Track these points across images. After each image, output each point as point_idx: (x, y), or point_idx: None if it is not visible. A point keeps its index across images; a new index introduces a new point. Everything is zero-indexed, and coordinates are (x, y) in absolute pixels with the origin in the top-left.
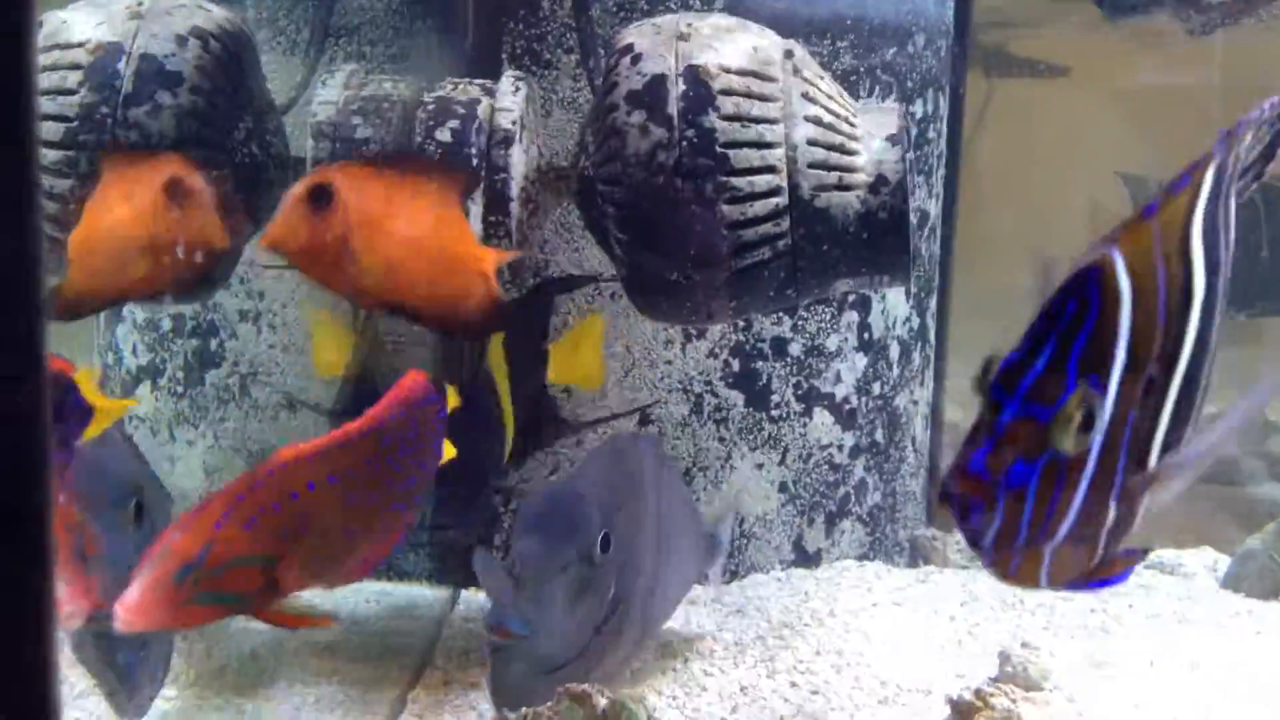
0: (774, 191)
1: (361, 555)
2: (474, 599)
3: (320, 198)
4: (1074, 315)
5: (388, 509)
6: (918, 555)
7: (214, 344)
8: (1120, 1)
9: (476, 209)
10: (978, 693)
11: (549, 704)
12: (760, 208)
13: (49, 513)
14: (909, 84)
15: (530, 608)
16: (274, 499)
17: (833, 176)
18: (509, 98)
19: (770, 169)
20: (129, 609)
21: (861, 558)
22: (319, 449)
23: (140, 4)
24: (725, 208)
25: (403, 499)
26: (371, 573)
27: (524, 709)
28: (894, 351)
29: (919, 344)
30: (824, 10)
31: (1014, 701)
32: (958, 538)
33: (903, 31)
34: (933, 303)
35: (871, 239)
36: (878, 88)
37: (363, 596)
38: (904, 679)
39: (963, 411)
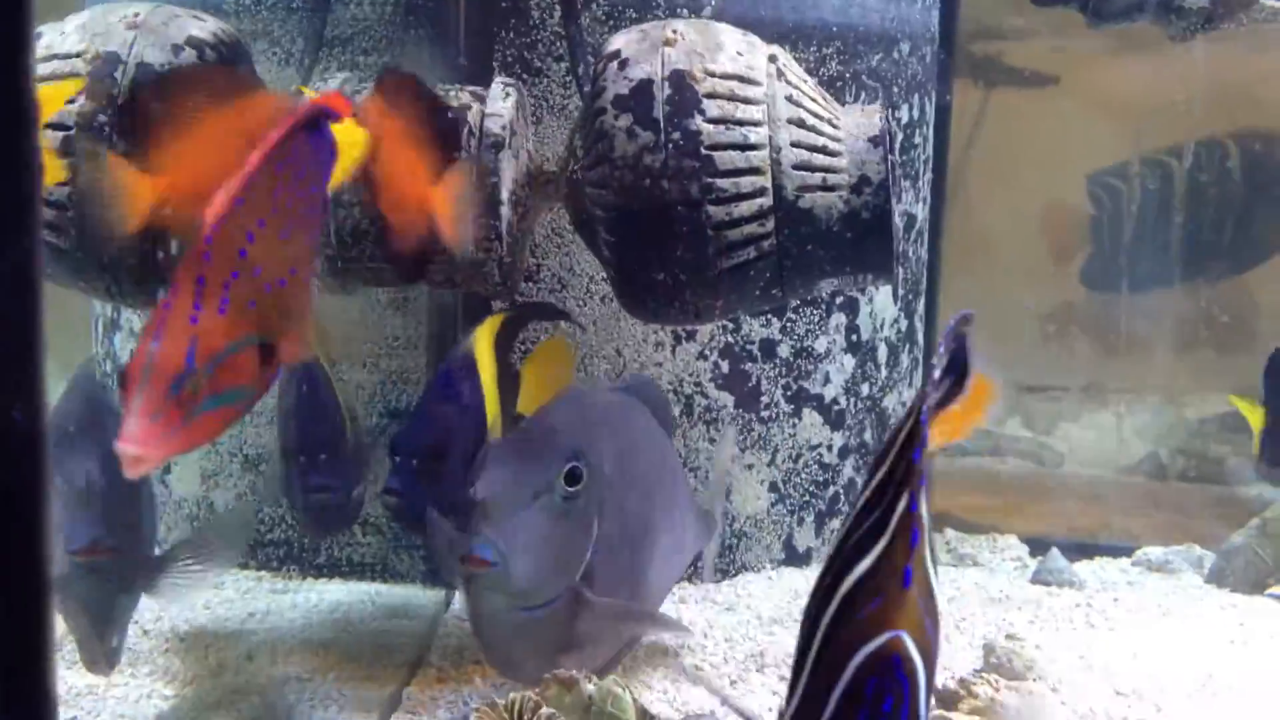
0: (759, 192)
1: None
2: None
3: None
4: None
5: (307, 239)
6: None
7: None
8: (1103, 9)
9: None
10: (961, 681)
11: (536, 689)
12: (746, 208)
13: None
14: (895, 90)
15: (499, 537)
16: (230, 268)
17: (816, 178)
18: (499, 103)
19: (755, 170)
20: (133, 442)
21: None
22: (236, 193)
23: (137, 15)
24: (711, 209)
25: (313, 226)
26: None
27: (512, 695)
28: (882, 353)
29: (907, 346)
30: (811, 17)
31: (997, 690)
32: (949, 538)
33: (888, 38)
34: (920, 305)
35: (855, 239)
36: (864, 93)
37: (357, 597)
38: None
39: None
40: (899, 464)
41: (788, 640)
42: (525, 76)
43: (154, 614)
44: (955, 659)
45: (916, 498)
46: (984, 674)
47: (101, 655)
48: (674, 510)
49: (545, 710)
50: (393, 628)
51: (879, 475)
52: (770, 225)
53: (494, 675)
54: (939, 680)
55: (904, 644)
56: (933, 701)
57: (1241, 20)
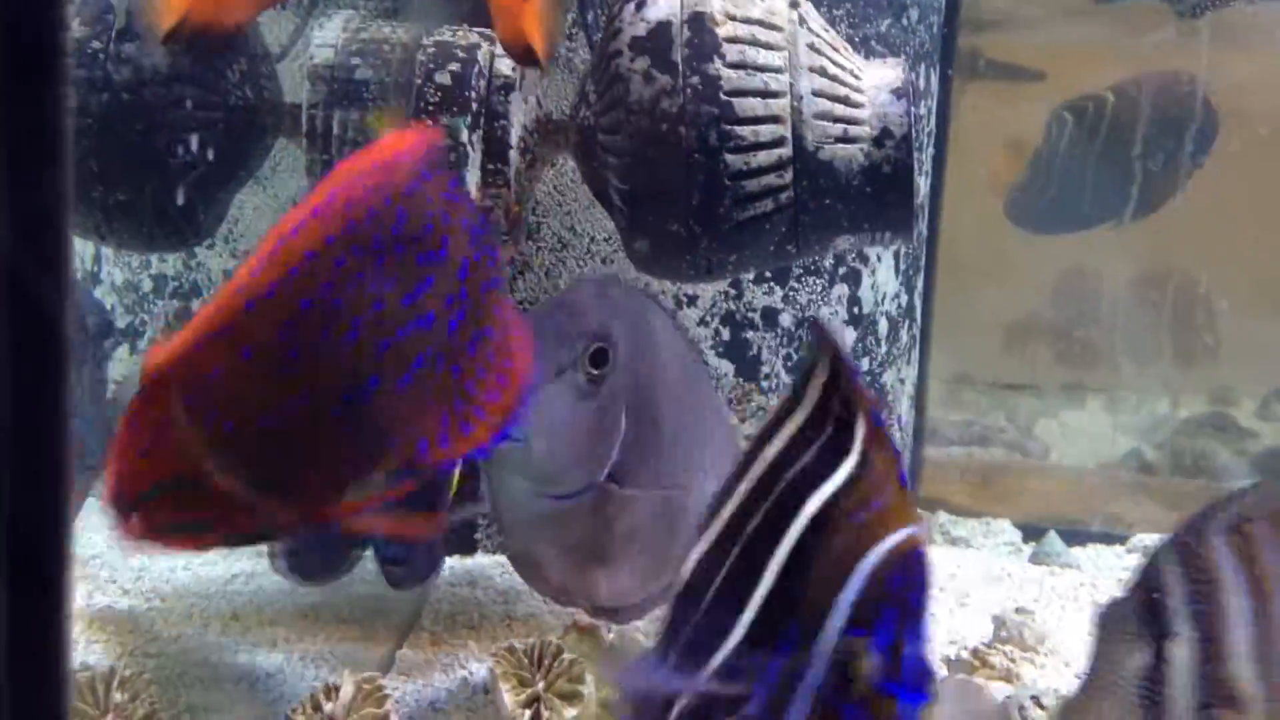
0: (778, 142)
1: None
2: (460, 565)
3: None
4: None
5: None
6: None
7: (197, 305)
8: None
9: (475, 155)
10: (975, 652)
11: (557, 635)
12: (764, 158)
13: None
14: (903, 57)
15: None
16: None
17: (837, 128)
18: None
19: (775, 119)
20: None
21: None
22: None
23: None
24: (729, 157)
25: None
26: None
27: (531, 640)
28: (883, 327)
29: (906, 322)
30: None
31: (1013, 661)
32: (941, 521)
33: (898, 4)
34: (920, 281)
35: (875, 193)
36: (872, 58)
37: None
38: None
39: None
40: (834, 392)
41: None
42: None
43: (134, 573)
44: (964, 633)
45: (878, 414)
46: (997, 645)
47: None
48: (710, 433)
49: (567, 655)
50: (384, 591)
51: (805, 408)
52: (789, 176)
53: (488, 639)
54: (950, 650)
55: (923, 538)
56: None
57: None
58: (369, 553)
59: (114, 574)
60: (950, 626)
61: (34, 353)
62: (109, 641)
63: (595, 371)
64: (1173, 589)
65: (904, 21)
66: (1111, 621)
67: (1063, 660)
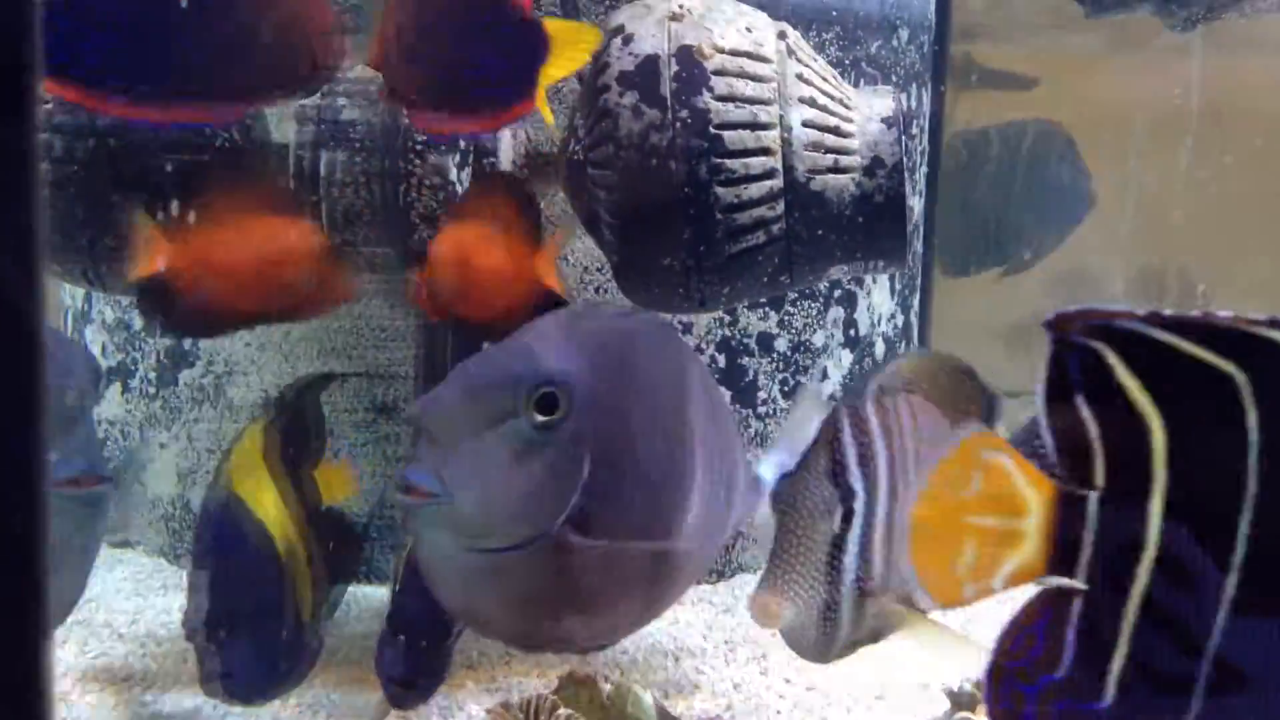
0: (769, 174)
1: None
2: None
3: None
4: None
5: None
6: None
7: (187, 343)
8: None
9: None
10: (978, 684)
11: (550, 689)
12: (755, 190)
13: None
14: (894, 78)
15: (443, 464)
16: None
17: (828, 159)
18: None
19: (765, 151)
20: None
21: None
22: None
23: None
24: (719, 190)
25: None
26: None
27: (526, 695)
28: (879, 349)
29: (903, 342)
30: (811, 1)
31: None
32: None
33: (888, 25)
34: (916, 301)
35: (868, 223)
36: (863, 81)
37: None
38: (899, 673)
39: None
40: None
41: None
42: None
43: (129, 616)
44: (967, 660)
45: None
46: None
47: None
48: (715, 458)
49: (563, 711)
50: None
51: None
52: (780, 208)
53: (486, 679)
54: (954, 683)
55: None
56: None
57: (1245, 9)
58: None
59: (109, 618)
60: (952, 653)
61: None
62: (103, 693)
63: (543, 419)
64: (848, 453)
65: (894, 42)
66: (799, 489)
67: None
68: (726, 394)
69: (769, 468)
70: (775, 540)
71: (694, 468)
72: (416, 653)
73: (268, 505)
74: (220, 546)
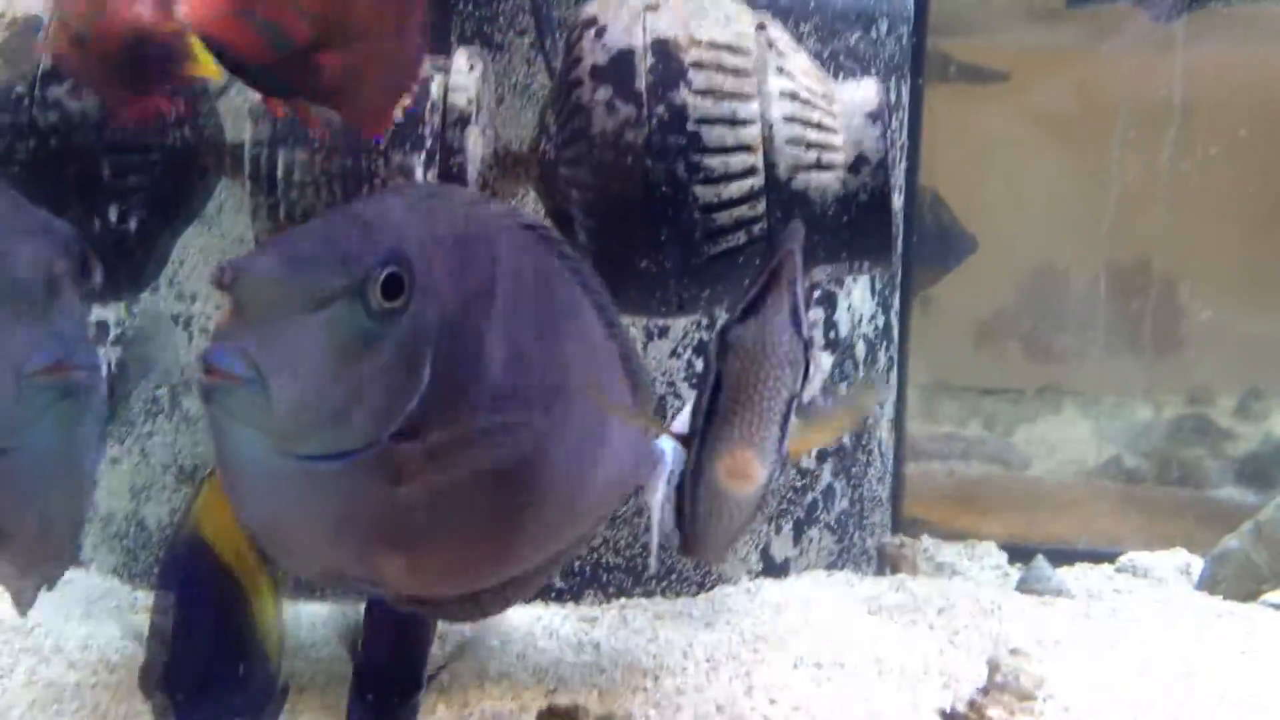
0: (749, 172)
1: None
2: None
3: None
4: None
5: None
6: (885, 563)
7: (141, 353)
8: None
9: None
10: (971, 704)
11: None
12: (735, 189)
13: None
14: (873, 70)
15: (257, 346)
16: None
17: (810, 155)
18: (464, 75)
19: (745, 148)
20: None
21: (830, 566)
22: None
23: None
24: (698, 189)
25: None
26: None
27: None
28: (860, 350)
29: (884, 344)
30: None
31: (1011, 713)
32: (926, 546)
33: (866, 16)
34: (896, 300)
35: (852, 222)
36: (842, 73)
37: (308, 620)
38: (888, 692)
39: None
40: None
41: (775, 659)
42: (485, 51)
43: (80, 641)
44: (956, 676)
45: None
46: (992, 694)
47: (57, 547)
48: (596, 394)
49: None
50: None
51: None
52: (761, 207)
53: (459, 704)
54: (946, 702)
55: None
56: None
57: (1229, 0)
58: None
59: (59, 643)
60: (942, 668)
61: None
62: None
63: (387, 305)
64: (801, 303)
65: (873, 34)
66: (767, 333)
67: (1062, 706)
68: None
69: (668, 442)
70: (734, 389)
71: (563, 393)
72: (387, 710)
73: (236, 549)
74: (184, 596)
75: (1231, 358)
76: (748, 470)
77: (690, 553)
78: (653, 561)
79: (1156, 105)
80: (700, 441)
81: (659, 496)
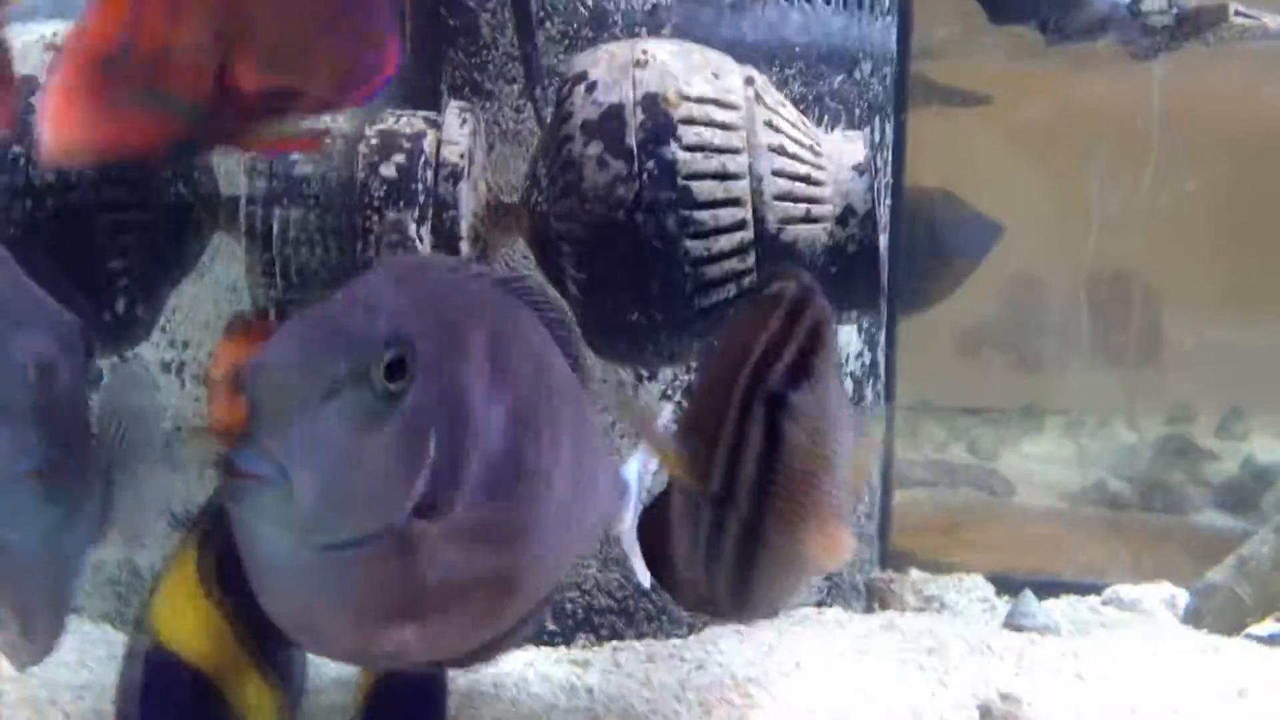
0: (739, 225)
1: (336, 60)
2: None
3: None
4: None
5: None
6: (873, 599)
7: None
8: (1064, 27)
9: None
10: None
11: None
12: (725, 243)
13: None
14: (857, 111)
15: (278, 445)
16: None
17: (799, 209)
18: (456, 130)
19: (735, 201)
20: (48, 121)
21: (819, 603)
22: None
23: (55, 35)
24: (689, 243)
25: None
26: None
27: None
28: (848, 388)
29: (871, 380)
30: (772, 37)
31: None
32: (914, 580)
33: (849, 58)
34: (882, 337)
35: (841, 273)
36: (826, 116)
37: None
38: None
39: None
40: None
41: (769, 703)
42: (475, 99)
43: (75, 692)
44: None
45: None
46: None
47: (42, 631)
48: (574, 447)
49: None
50: (325, 701)
51: None
52: (751, 260)
53: None
54: None
55: None
56: None
57: (1208, 39)
58: None
59: (53, 694)
60: (934, 712)
61: None
62: None
63: (392, 386)
64: None
65: (856, 75)
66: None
67: None
68: None
69: (633, 470)
70: (805, 460)
71: (551, 452)
72: None
73: (212, 650)
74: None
75: (1212, 374)
76: (840, 546)
77: (724, 614)
78: (645, 579)
79: (1137, 126)
80: (756, 506)
81: (627, 526)
